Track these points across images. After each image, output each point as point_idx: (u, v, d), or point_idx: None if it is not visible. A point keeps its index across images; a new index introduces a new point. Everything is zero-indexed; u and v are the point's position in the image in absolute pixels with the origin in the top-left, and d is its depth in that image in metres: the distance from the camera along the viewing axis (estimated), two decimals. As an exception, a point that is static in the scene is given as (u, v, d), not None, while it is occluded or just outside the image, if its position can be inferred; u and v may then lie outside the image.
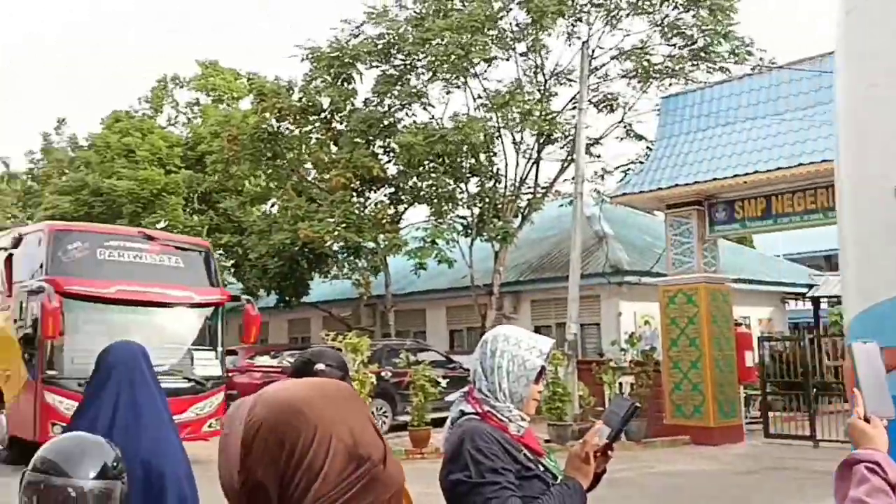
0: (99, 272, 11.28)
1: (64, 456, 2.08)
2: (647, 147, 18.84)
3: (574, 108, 18.08)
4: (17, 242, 12.06)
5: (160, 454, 2.52)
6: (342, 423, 1.11)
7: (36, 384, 10.67)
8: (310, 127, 20.29)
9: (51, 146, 34.14)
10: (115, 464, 2.14)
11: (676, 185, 14.12)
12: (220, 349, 12.40)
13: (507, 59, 19.21)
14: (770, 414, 14.36)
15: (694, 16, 17.87)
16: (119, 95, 68.28)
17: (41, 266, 11.35)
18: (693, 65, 18.37)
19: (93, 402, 2.57)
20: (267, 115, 19.94)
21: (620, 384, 14.51)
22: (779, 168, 12.81)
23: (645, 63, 18.33)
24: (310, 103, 19.51)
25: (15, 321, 11.70)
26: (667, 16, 18.20)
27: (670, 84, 18.53)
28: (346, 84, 19.19)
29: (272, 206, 24.03)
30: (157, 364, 9.65)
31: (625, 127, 19.54)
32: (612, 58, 18.69)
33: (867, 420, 1.67)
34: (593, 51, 17.87)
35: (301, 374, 2.27)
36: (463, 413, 2.11)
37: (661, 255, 16.19)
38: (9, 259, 11.95)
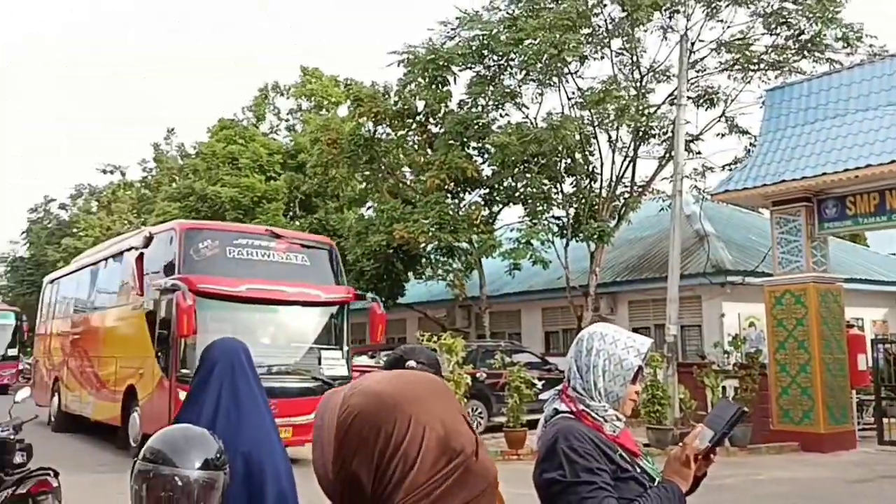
0: (228, 270, 11.28)
1: (171, 447, 2.17)
2: (751, 142, 18.15)
3: (672, 103, 17.61)
4: (147, 242, 12.23)
5: (261, 448, 2.59)
6: (435, 414, 1.10)
7: (169, 382, 10.77)
8: (405, 130, 20.54)
9: (161, 155, 35.90)
10: (218, 455, 2.22)
11: (783, 180, 13.53)
12: (346, 348, 12.23)
13: (601, 58, 18.91)
14: (885, 420, 13.60)
15: (798, 3, 17.08)
16: (224, 103, 71.12)
17: (173, 264, 11.46)
18: (798, 55, 17.57)
19: (198, 397, 2.66)
20: (364, 119, 20.32)
21: (724, 388, 14.02)
22: (893, 161, 12.10)
23: (747, 54, 17.66)
24: (405, 107, 19.75)
25: (148, 319, 11.91)
26: (769, 4, 17.48)
27: (774, 76, 17.79)
28: (440, 87, 19.31)
29: (368, 209, 24.45)
30: (285, 363, 10.49)
31: (726, 122, 18.89)
32: (712, 50, 18.10)
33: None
34: (692, 44, 17.35)
35: (393, 370, 2.29)
36: (557, 411, 2.08)
37: (767, 255, 15.57)
38: (140, 258, 12.11)
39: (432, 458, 1.08)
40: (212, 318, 10.73)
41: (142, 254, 12.08)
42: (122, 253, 14.09)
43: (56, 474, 5.05)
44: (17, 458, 5.20)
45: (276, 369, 11.00)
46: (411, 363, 2.15)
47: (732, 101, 18.59)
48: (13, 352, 28.82)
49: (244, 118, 29.97)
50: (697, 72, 18.29)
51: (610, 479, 1.92)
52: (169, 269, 11.59)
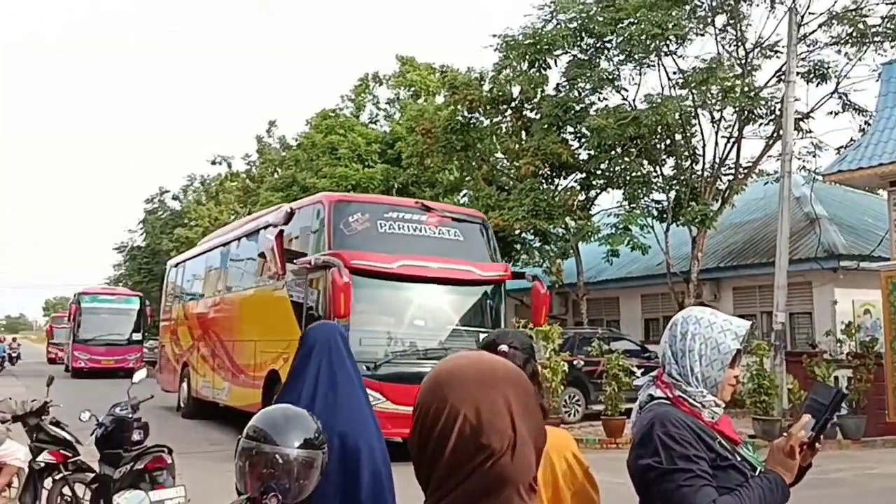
0: (380, 246, 10.46)
1: (273, 426, 2.26)
2: (866, 120, 17.14)
3: (780, 80, 16.82)
4: (288, 217, 11.49)
5: (357, 428, 2.65)
6: (473, 403, 1.08)
7: None
8: (500, 117, 20.46)
9: (264, 147, 37.09)
10: (317, 435, 2.30)
11: (901, 159, 12.74)
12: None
13: (703, 35, 18.23)
14: None
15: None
16: (323, 94, 72.73)
17: (319, 240, 10.79)
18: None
19: (297, 379, 2.74)
20: (458, 107, 20.35)
21: (836, 378, 13.37)
22: None
23: (860, 27, 16.64)
24: (500, 93, 19.66)
25: (292, 300, 11.30)
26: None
27: (891, 48, 16.71)
28: (540, 71, 19.09)
29: (463, 196, 24.54)
30: (440, 347, 10.48)
31: (839, 98, 17.89)
32: (823, 23, 17.15)
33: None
34: (801, 16, 16.49)
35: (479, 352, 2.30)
36: (652, 398, 2.02)
37: (884, 238, 14.71)
38: (280, 235, 11.20)
39: (463, 447, 1.07)
40: (362, 297, 9.98)
41: (282, 231, 11.20)
42: (257, 231, 13.36)
43: (170, 451, 5.33)
44: (135, 436, 5.51)
45: (431, 353, 10.26)
46: (503, 347, 2.15)
47: (845, 76, 17.59)
48: (137, 336, 29.14)
49: (344, 107, 30.51)
50: (808, 46, 17.37)
51: (708, 466, 1.86)
52: (316, 246, 10.91)
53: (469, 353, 1.21)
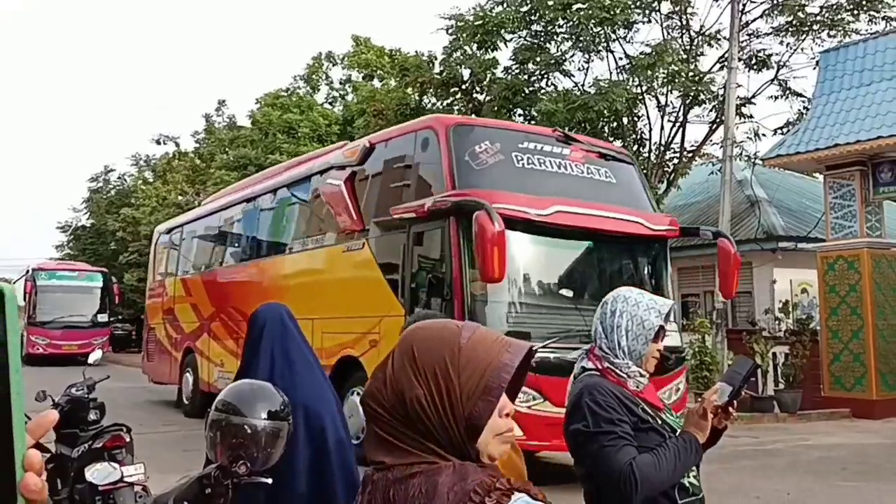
0: (520, 185, 7.80)
1: (241, 399, 2.44)
2: (804, 106, 17.77)
3: (723, 67, 17.31)
4: (367, 154, 9.07)
5: (317, 400, 2.84)
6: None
7: None
8: (451, 99, 20.60)
9: (213, 126, 36.56)
10: (282, 407, 2.48)
11: (837, 144, 13.31)
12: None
13: (649, 21, 18.61)
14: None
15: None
16: (272, 74, 71.68)
17: (437, 177, 8.01)
18: (854, 15, 17.06)
19: (252, 361, 2.90)
20: (409, 90, 20.42)
21: (774, 354, 13.97)
22: (953, 123, 11.73)
23: (800, 15, 17.21)
24: (450, 76, 19.79)
25: (381, 263, 8.60)
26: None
27: (829, 37, 17.31)
28: (487, 52, 19.26)
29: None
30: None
31: (779, 84, 18.49)
32: (764, 13, 17.68)
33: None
34: (743, 6, 16.98)
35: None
36: (584, 369, 2.27)
37: (820, 220, 15.34)
38: (351, 179, 9.04)
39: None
40: (512, 252, 7.15)
41: (353, 173, 9.05)
42: (308, 177, 10.69)
43: (129, 430, 5.42)
44: (92, 416, 5.59)
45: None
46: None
47: (785, 63, 18.19)
48: (103, 318, 25.88)
49: (297, 87, 30.28)
50: (749, 34, 17.91)
51: (630, 429, 2.10)
52: (420, 187, 8.28)
53: (433, 321, 1.27)
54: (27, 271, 27.20)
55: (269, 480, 2.40)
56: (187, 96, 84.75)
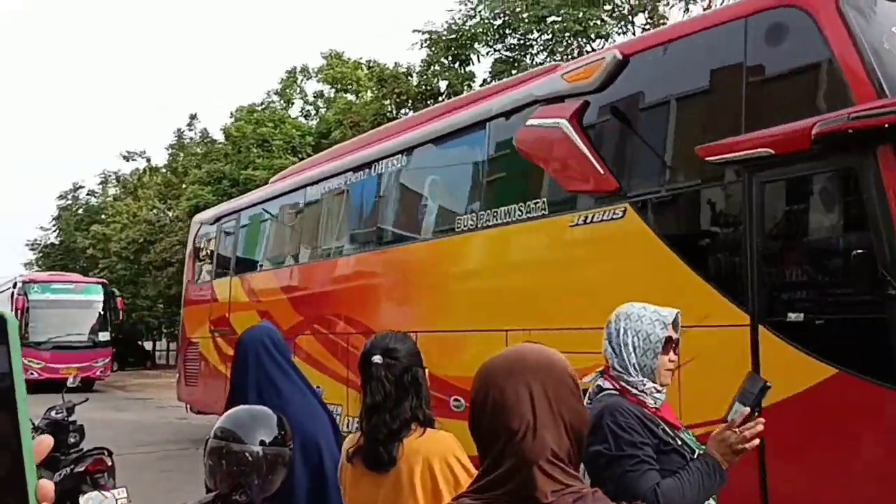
0: None
1: (240, 426, 2.36)
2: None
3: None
4: (614, 73, 5.74)
5: (310, 421, 2.79)
6: (499, 390, 1.30)
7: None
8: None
9: (184, 141, 36.27)
10: (282, 433, 2.40)
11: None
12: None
13: (624, 34, 18.80)
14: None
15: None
16: (246, 88, 71.57)
17: (813, 86, 4.70)
18: None
19: (239, 392, 2.86)
20: (387, 102, 20.42)
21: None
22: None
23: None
24: (428, 87, 19.82)
25: (668, 237, 5.21)
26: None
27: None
28: (463, 66, 19.34)
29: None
30: None
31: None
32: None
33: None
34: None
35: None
36: (601, 388, 2.23)
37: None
38: (579, 114, 5.97)
39: (490, 427, 1.28)
40: None
41: (584, 105, 5.94)
42: (483, 122, 7.07)
43: (110, 454, 5.30)
44: (71, 439, 5.47)
45: None
46: (376, 357, 2.23)
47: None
48: (105, 336, 22.52)
49: (270, 101, 30.18)
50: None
51: (653, 452, 2.06)
52: (754, 114, 4.76)
53: (520, 345, 1.41)
54: (14, 284, 23.23)
55: (270, 508, 2.32)
56: (157, 111, 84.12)
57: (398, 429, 2.21)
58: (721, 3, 16.92)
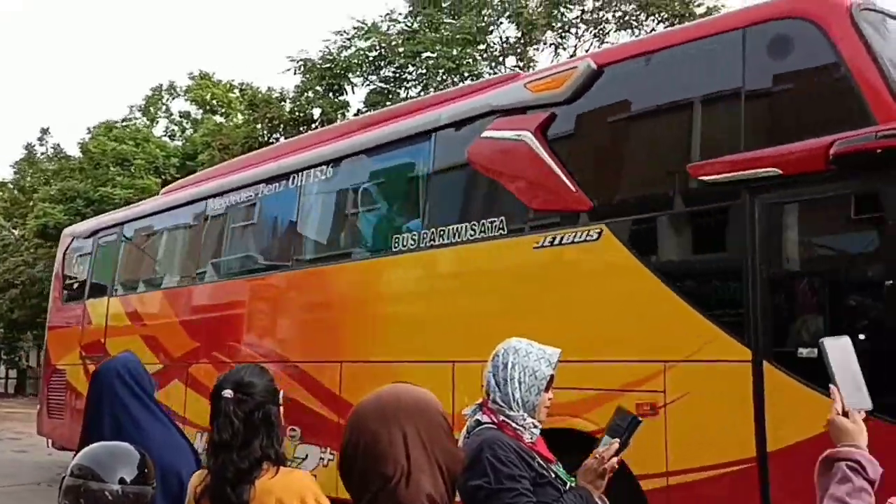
0: None
1: (98, 463, 2.22)
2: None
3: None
4: (588, 83, 5.31)
5: (172, 454, 2.69)
6: (372, 435, 1.26)
7: None
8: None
9: (35, 156, 34.05)
10: (145, 470, 2.27)
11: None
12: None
13: (495, 73, 19.47)
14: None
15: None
16: (105, 103, 68.11)
17: (825, 100, 4.38)
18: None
19: (94, 427, 2.75)
20: (259, 125, 20.07)
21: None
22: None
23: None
24: (301, 114, 19.65)
25: (654, 264, 4.77)
26: (653, 30, 18.51)
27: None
28: (337, 96, 19.34)
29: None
30: None
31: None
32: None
33: (846, 415, 1.67)
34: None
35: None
36: (479, 423, 2.26)
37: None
38: (544, 127, 5.50)
39: (363, 474, 1.24)
40: None
41: (549, 117, 5.46)
42: (427, 133, 6.43)
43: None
44: None
45: None
46: (226, 392, 2.16)
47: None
48: None
49: (133, 118, 28.94)
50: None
51: (530, 485, 2.11)
52: (757, 130, 4.53)
53: (393, 386, 1.36)
54: None
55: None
56: (3, 123, 78.53)
57: (248, 469, 2.11)
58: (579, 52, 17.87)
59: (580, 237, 5.03)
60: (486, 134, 5.79)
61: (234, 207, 8.51)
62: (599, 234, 4.90)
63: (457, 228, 5.84)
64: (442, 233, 5.95)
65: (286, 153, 8.39)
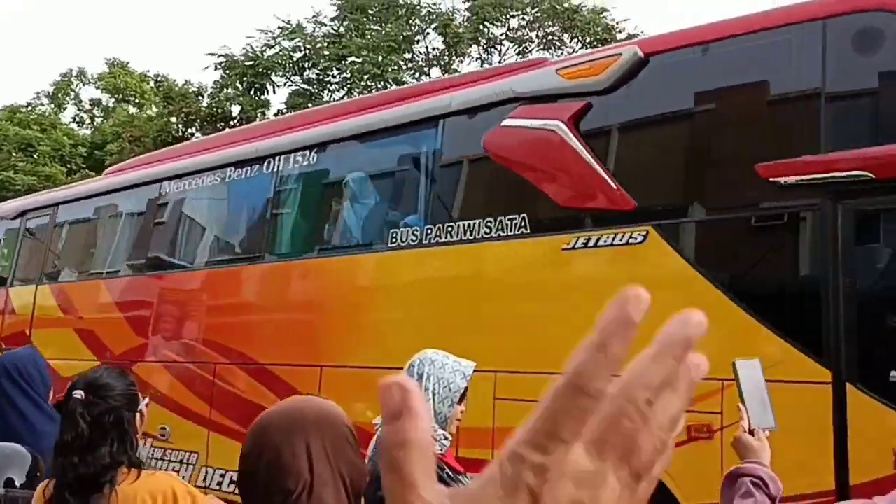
0: None
1: None
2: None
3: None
4: (632, 72, 4.89)
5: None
6: (275, 448, 1.24)
7: None
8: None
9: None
10: (35, 473, 2.18)
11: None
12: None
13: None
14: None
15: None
16: (9, 88, 64.92)
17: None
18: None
19: None
20: (173, 119, 19.53)
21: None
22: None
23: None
24: (219, 110, 19.23)
25: (715, 274, 4.33)
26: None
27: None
28: (258, 94, 19.03)
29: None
30: None
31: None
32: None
33: (752, 433, 1.76)
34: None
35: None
36: None
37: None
38: (576, 118, 5.02)
39: (266, 487, 1.23)
40: None
41: (585, 107, 4.95)
42: (434, 119, 5.83)
43: None
44: None
45: None
46: (77, 393, 2.00)
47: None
48: None
49: (39, 103, 27.65)
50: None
51: None
52: (825, 127, 4.16)
53: (298, 397, 1.32)
54: None
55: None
56: None
57: (92, 475, 1.93)
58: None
59: (621, 239, 4.51)
60: (507, 122, 5.20)
61: (194, 191, 7.68)
62: (645, 236, 4.42)
63: (468, 225, 5.23)
64: (449, 229, 5.34)
65: (262, 135, 7.55)
